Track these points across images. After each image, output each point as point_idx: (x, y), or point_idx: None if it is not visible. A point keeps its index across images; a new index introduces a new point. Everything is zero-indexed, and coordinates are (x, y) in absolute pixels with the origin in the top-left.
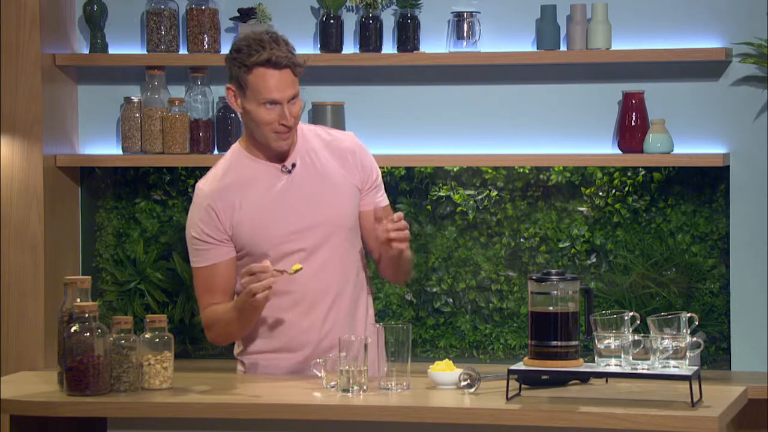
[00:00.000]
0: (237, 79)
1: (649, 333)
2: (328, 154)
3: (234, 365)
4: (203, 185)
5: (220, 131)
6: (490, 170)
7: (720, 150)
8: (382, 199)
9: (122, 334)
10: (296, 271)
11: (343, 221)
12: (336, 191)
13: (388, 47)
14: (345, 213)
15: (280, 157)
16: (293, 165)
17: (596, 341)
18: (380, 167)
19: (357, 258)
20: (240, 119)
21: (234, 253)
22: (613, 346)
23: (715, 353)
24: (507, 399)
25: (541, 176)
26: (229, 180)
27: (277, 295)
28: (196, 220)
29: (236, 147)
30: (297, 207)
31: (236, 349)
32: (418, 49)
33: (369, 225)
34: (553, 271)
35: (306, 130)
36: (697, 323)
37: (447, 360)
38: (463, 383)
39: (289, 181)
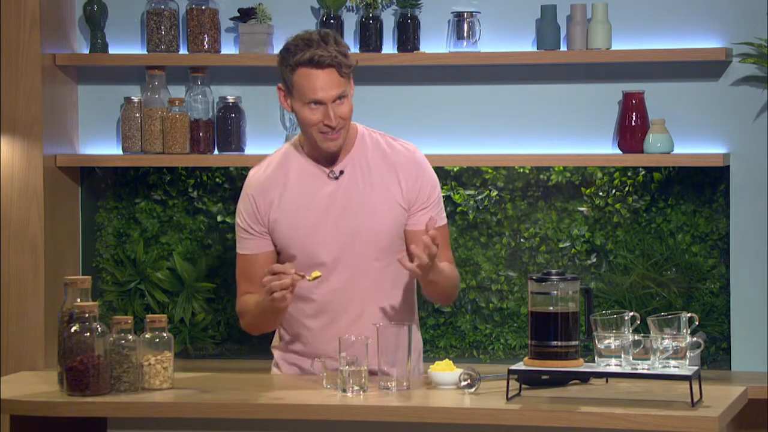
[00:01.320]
0: (284, 79)
1: (649, 333)
2: (382, 165)
3: (234, 365)
4: (253, 173)
5: (220, 131)
6: (490, 170)
7: (720, 150)
8: (438, 219)
9: (122, 334)
10: (315, 278)
11: (377, 238)
12: (377, 207)
13: (388, 47)
14: (381, 230)
15: (330, 160)
16: (341, 172)
17: (596, 341)
18: None
19: (392, 278)
20: (241, 121)
21: (272, 246)
22: (613, 346)
23: (715, 353)
24: (507, 399)
25: (541, 176)
26: (276, 175)
27: (302, 300)
28: (241, 209)
29: (294, 141)
30: (334, 217)
31: (273, 343)
32: (418, 49)
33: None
34: (553, 271)
35: (368, 136)
36: (697, 323)
37: (447, 360)
38: (463, 383)
39: (335, 188)
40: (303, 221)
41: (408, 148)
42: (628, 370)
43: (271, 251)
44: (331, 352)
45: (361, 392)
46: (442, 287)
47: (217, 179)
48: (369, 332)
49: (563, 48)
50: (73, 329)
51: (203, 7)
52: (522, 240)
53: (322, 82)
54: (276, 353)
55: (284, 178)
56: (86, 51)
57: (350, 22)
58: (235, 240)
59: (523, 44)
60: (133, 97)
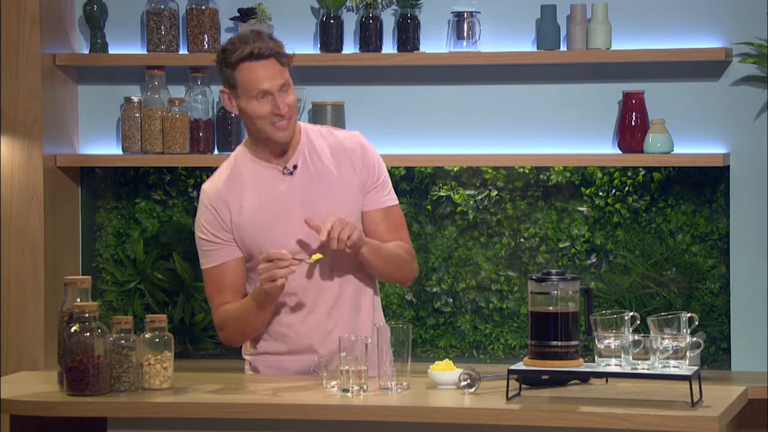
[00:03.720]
0: (227, 80)
1: (649, 333)
2: (331, 154)
3: (233, 365)
4: (207, 187)
5: (220, 131)
6: (490, 170)
7: (720, 150)
8: (387, 199)
9: (122, 334)
10: (316, 260)
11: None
12: (337, 192)
13: (388, 47)
14: (345, 213)
15: (282, 157)
16: (294, 167)
17: (596, 341)
18: None
19: (358, 259)
20: (240, 120)
21: (241, 252)
22: (613, 346)
23: (715, 353)
24: (507, 399)
25: (541, 176)
26: (231, 181)
27: (280, 296)
28: (202, 222)
29: (240, 149)
30: (298, 208)
31: (244, 350)
32: (418, 49)
33: (372, 226)
34: (553, 271)
35: (310, 130)
36: (697, 323)
37: (447, 360)
38: (463, 383)
39: (291, 182)
40: (267, 221)
41: (352, 133)
42: (628, 370)
43: (240, 258)
44: (316, 344)
45: (361, 392)
46: (380, 268)
47: None
48: (350, 316)
49: (563, 48)
50: (73, 329)
51: (203, 7)
52: (522, 240)
53: (265, 72)
54: (256, 359)
55: (240, 184)
56: (86, 51)
57: (350, 22)
58: (199, 256)
59: (523, 44)
60: (133, 97)
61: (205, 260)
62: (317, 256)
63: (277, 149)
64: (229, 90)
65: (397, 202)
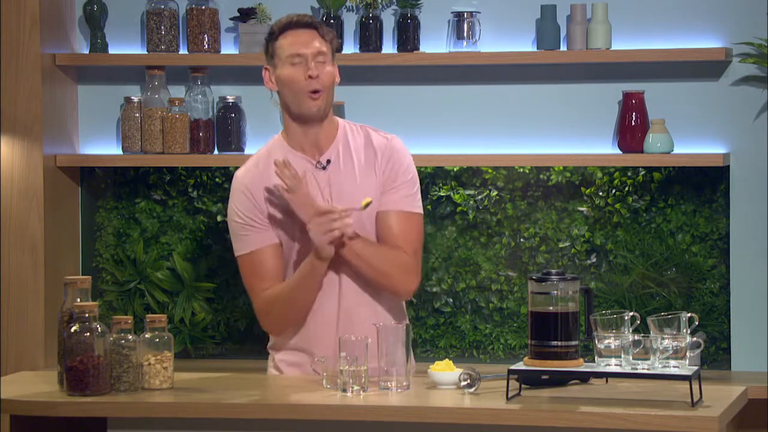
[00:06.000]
0: (270, 55)
1: (649, 333)
2: (365, 153)
3: (234, 365)
4: (240, 174)
5: (220, 131)
6: (490, 170)
7: (720, 150)
8: (404, 203)
9: (122, 334)
10: (366, 205)
11: (366, 226)
12: (360, 193)
13: (388, 47)
14: (367, 216)
15: (315, 145)
16: (328, 161)
17: (596, 341)
18: None
19: None
20: (241, 120)
21: (277, 239)
22: (613, 346)
23: (715, 353)
24: (507, 399)
25: (541, 176)
26: (264, 169)
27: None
28: (236, 206)
29: (277, 138)
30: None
31: (270, 343)
32: (418, 49)
33: (382, 230)
34: (553, 271)
35: (348, 127)
36: (697, 323)
37: (447, 360)
38: (463, 383)
39: (323, 177)
40: (293, 212)
41: (387, 136)
42: (628, 370)
43: (277, 243)
44: (334, 339)
45: (361, 392)
46: (355, 267)
47: (217, 179)
48: (369, 317)
49: (563, 48)
50: (73, 329)
51: (203, 7)
52: (522, 240)
53: (302, 38)
54: (279, 354)
55: (271, 172)
56: (86, 51)
57: (350, 22)
58: (233, 243)
59: (523, 44)
60: (133, 97)
61: (240, 246)
62: (367, 200)
63: (309, 127)
64: (269, 65)
65: (418, 211)
